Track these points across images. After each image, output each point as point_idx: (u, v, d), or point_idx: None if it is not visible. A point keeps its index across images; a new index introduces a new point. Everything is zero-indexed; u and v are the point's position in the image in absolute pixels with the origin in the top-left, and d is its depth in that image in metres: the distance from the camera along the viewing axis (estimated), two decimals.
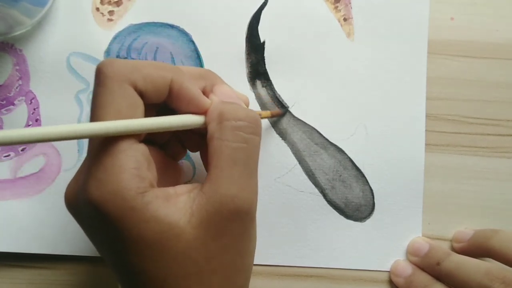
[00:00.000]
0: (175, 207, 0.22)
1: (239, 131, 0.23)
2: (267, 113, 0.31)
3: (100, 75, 0.23)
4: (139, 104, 0.23)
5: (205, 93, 0.26)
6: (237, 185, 0.23)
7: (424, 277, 0.31)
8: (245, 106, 0.27)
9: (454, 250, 0.32)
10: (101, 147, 0.22)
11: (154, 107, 0.25)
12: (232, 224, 0.23)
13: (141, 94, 0.23)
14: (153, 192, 0.22)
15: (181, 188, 0.23)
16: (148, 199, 0.21)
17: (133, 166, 0.22)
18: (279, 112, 0.33)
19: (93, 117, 0.22)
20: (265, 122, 0.33)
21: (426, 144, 0.33)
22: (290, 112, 0.33)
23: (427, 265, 0.31)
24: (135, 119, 0.22)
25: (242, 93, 0.30)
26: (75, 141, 0.33)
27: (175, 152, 0.28)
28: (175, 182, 0.26)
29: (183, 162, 0.33)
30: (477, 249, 0.31)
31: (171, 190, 0.23)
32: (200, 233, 0.22)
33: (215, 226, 0.22)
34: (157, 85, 0.23)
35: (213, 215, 0.22)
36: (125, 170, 0.21)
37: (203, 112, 0.25)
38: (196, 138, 0.28)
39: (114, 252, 0.23)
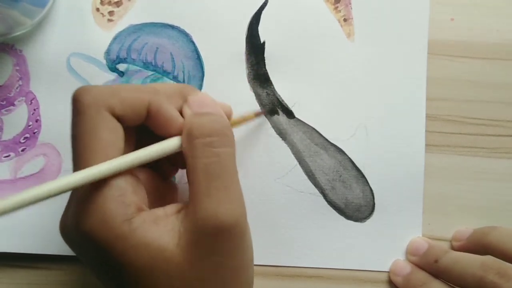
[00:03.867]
0: (164, 229, 0.22)
1: (209, 147, 0.23)
2: (241, 118, 0.31)
3: (77, 103, 0.23)
4: (118, 129, 0.23)
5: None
6: (216, 200, 0.22)
7: (422, 275, 0.31)
8: (221, 112, 0.26)
9: (454, 248, 0.32)
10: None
11: (134, 129, 0.25)
12: (219, 241, 0.22)
13: (119, 118, 0.23)
14: (140, 217, 0.22)
15: (171, 208, 0.23)
16: (135, 225, 0.22)
17: (116, 194, 0.22)
18: (253, 117, 0.32)
19: (75, 147, 0.23)
20: (265, 123, 0.33)
21: (426, 145, 0.33)
22: (291, 112, 0.33)
23: (426, 263, 0.31)
24: (112, 161, 0.22)
25: (223, 102, 0.29)
26: None
27: (166, 170, 0.28)
28: (171, 201, 0.26)
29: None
30: (475, 246, 0.31)
31: (160, 211, 0.23)
32: (190, 255, 0.22)
33: (202, 245, 0.22)
34: (135, 108, 0.24)
35: (198, 235, 0.22)
36: (109, 200, 0.22)
37: (181, 132, 0.25)
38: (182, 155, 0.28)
39: (109, 279, 0.23)
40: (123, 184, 0.22)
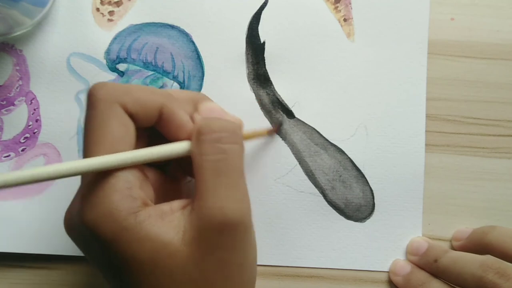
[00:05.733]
0: (169, 224, 0.22)
1: (216, 143, 0.23)
2: (263, 131, 0.31)
3: (91, 97, 0.23)
4: (130, 125, 0.23)
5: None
6: (223, 197, 0.22)
7: (421, 275, 0.31)
8: (229, 118, 0.26)
9: (454, 248, 0.32)
10: (94, 172, 0.22)
11: (146, 131, 0.25)
12: (224, 237, 0.22)
13: (131, 116, 0.23)
14: (146, 211, 0.22)
15: (176, 204, 0.23)
16: (141, 218, 0.22)
17: (124, 187, 0.22)
18: (274, 129, 0.32)
19: (85, 140, 0.23)
20: (265, 123, 0.33)
21: (426, 145, 0.33)
22: (291, 112, 0.33)
23: (425, 262, 0.31)
24: (120, 154, 0.22)
25: (234, 116, 0.29)
26: (75, 141, 0.33)
27: (176, 174, 0.28)
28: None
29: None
30: (475, 245, 0.31)
31: (166, 206, 0.23)
32: (194, 250, 0.22)
33: (207, 241, 0.22)
34: (147, 109, 0.24)
35: (203, 230, 0.22)
36: (116, 192, 0.22)
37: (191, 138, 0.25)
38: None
39: (112, 273, 0.23)
40: (131, 178, 0.22)
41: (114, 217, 0.21)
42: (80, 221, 0.22)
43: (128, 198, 0.22)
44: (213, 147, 0.23)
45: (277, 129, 0.33)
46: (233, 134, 0.24)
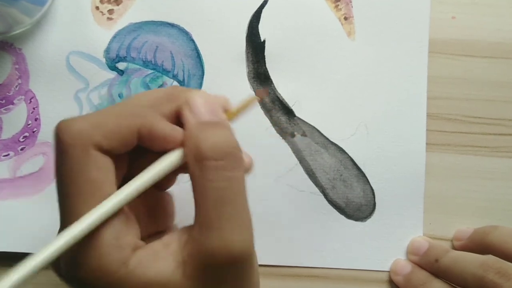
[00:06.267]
0: (165, 263, 0.21)
1: (221, 170, 0.21)
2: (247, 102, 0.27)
3: (59, 143, 0.21)
4: (108, 163, 0.22)
5: (180, 116, 0.24)
6: (228, 230, 0.21)
7: (422, 274, 0.31)
8: (227, 123, 0.24)
9: (455, 248, 0.32)
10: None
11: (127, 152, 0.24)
12: (229, 271, 0.21)
13: (108, 152, 0.21)
14: (136, 257, 0.21)
15: (169, 238, 0.22)
16: (132, 266, 0.21)
17: (111, 237, 0.21)
18: (254, 100, 0.29)
19: (62, 191, 0.21)
20: (265, 121, 0.33)
21: (427, 144, 0.33)
22: (291, 111, 0.33)
23: (426, 262, 0.31)
24: (110, 199, 0.21)
25: (218, 96, 0.25)
26: None
27: (162, 182, 0.25)
28: (167, 215, 0.25)
29: None
30: (476, 245, 0.31)
31: (157, 245, 0.22)
32: (196, 284, 0.21)
33: (210, 276, 0.21)
34: (123, 139, 0.22)
35: (207, 265, 0.21)
36: (104, 244, 0.20)
37: (180, 145, 0.23)
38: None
39: None
40: (117, 225, 0.21)
41: (106, 271, 0.20)
42: (70, 274, 0.21)
43: (117, 248, 0.21)
44: (217, 174, 0.21)
45: (264, 94, 0.32)
46: (237, 159, 0.22)
